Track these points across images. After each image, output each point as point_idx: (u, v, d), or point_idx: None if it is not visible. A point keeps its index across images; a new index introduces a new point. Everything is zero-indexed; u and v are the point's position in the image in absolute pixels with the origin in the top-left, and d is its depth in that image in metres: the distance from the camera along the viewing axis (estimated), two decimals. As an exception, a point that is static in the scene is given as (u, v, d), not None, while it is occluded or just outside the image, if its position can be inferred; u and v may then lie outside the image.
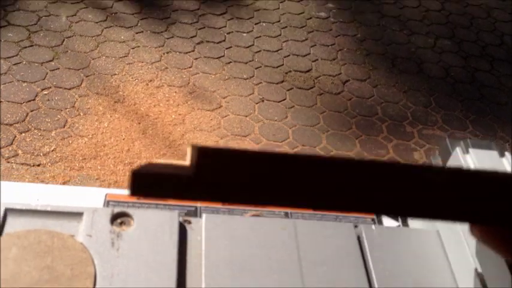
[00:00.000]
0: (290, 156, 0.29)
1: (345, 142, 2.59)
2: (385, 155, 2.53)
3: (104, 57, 2.73)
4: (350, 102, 2.80)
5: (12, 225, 0.65)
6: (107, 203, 0.77)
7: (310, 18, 3.28)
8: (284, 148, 2.52)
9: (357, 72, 2.98)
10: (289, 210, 0.81)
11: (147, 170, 0.28)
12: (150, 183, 0.28)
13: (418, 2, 3.56)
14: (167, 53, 2.86)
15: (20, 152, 2.21)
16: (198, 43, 2.95)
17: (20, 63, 2.56)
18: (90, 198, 0.78)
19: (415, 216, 0.29)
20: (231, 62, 2.90)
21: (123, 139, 2.36)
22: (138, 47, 2.84)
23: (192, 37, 2.98)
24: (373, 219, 0.81)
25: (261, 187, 0.29)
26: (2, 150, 2.17)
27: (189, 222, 0.72)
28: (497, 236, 0.28)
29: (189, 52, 2.90)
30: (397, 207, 0.29)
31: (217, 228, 0.71)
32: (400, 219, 0.81)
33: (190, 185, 0.28)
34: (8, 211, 0.66)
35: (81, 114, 2.43)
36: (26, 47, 2.64)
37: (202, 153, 0.28)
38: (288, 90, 2.80)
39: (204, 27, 3.05)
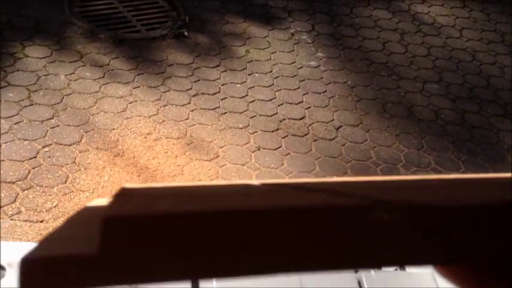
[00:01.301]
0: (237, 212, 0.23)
1: (341, 187, 2.64)
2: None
3: (102, 112, 2.80)
4: (344, 147, 2.87)
5: None
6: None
7: (301, 67, 3.38)
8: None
9: (349, 118, 3.06)
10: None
11: (41, 253, 0.22)
12: (44, 274, 0.22)
13: (404, 49, 3.68)
14: (164, 106, 2.93)
15: (23, 209, 2.24)
16: (194, 95, 3.04)
17: (20, 122, 2.63)
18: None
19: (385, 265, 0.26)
20: (226, 112, 2.97)
21: (124, 192, 2.40)
22: (136, 101, 2.92)
23: (187, 90, 3.06)
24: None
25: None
26: (6, 208, 2.21)
27: None
28: (462, 272, 0.27)
29: (185, 104, 2.97)
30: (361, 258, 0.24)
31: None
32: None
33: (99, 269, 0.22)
34: None
35: (82, 169, 2.48)
36: (26, 106, 2.71)
37: (113, 226, 0.22)
38: (283, 137, 2.87)
39: (199, 80, 3.14)
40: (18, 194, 2.28)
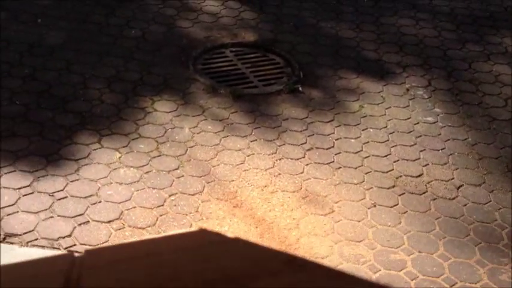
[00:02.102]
0: None
1: (463, 249, 2.55)
2: (507, 263, 2.45)
3: (222, 164, 2.93)
4: (466, 207, 2.77)
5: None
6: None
7: (418, 123, 3.35)
8: (400, 255, 2.52)
9: (470, 176, 2.97)
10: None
11: None
12: None
13: (527, 104, 3.53)
14: (280, 159, 3.01)
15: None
16: (308, 149, 3.09)
17: (150, 171, 2.82)
18: None
19: None
20: (340, 167, 2.99)
21: (243, 243, 2.48)
22: (253, 154, 3.03)
23: (302, 144, 3.13)
24: None
25: None
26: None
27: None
28: None
29: (300, 158, 3.03)
30: None
31: None
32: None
33: None
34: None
35: (204, 218, 2.60)
36: (155, 157, 2.91)
37: None
38: (400, 195, 2.83)
39: (313, 134, 3.20)
40: (146, 240, 2.43)
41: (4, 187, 2.64)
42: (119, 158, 2.88)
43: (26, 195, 2.61)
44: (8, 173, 2.72)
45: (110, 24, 3.93)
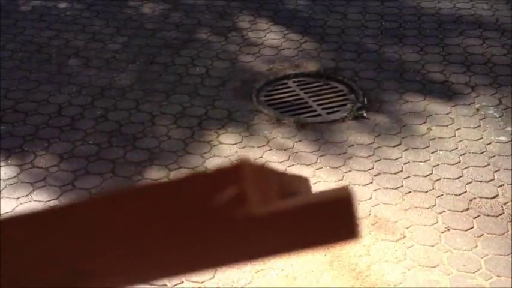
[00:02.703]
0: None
1: (547, 272, 2.39)
2: None
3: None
4: (547, 228, 2.61)
5: None
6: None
7: (490, 143, 3.21)
8: (477, 280, 2.39)
9: (550, 195, 2.80)
10: None
11: None
12: None
13: None
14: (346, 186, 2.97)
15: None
16: (376, 175, 3.03)
17: (217, 203, 2.86)
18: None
19: None
20: (410, 191, 2.91)
21: (312, 271, 2.44)
22: (319, 182, 3.00)
23: (369, 169, 3.08)
24: None
25: None
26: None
27: None
28: None
29: (368, 184, 2.98)
30: None
31: None
32: None
33: None
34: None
35: (271, 248, 2.58)
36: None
37: None
38: (475, 217, 2.71)
39: (380, 159, 3.14)
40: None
41: (79, 223, 2.76)
42: (187, 191, 2.94)
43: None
44: (83, 209, 2.83)
45: (175, 63, 4.08)
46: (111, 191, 0.32)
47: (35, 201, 2.89)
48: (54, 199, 2.90)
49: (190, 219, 0.31)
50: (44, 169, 3.12)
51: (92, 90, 3.81)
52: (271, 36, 4.41)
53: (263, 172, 0.34)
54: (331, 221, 0.33)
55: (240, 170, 0.31)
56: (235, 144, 3.28)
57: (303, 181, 0.41)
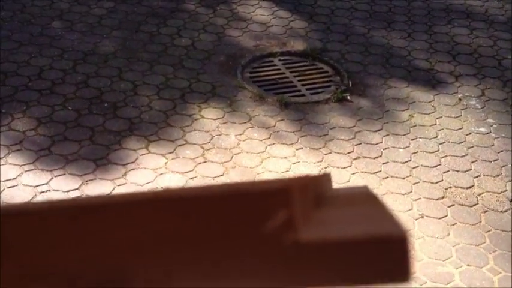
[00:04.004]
0: None
1: (515, 264, 2.43)
2: None
3: (267, 172, 2.92)
4: (519, 221, 2.65)
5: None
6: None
7: (470, 133, 3.24)
8: (447, 267, 2.43)
9: (524, 189, 2.84)
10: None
11: None
12: None
13: None
14: (325, 168, 2.98)
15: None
16: (355, 158, 3.05)
17: (195, 177, 2.84)
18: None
19: None
20: (388, 177, 2.93)
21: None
22: (298, 162, 3.00)
23: (349, 153, 3.08)
24: None
25: None
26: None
27: None
28: None
29: (346, 167, 2.99)
30: None
31: None
32: None
33: None
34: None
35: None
36: (200, 163, 2.94)
37: None
38: (449, 206, 2.74)
39: (361, 144, 3.15)
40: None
41: (54, 189, 2.73)
42: (166, 163, 2.92)
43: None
44: (58, 176, 2.80)
45: (161, 33, 4.02)
46: (167, 193, 0.31)
47: (10, 164, 2.85)
48: (29, 163, 2.86)
49: (239, 237, 0.30)
50: (21, 132, 3.07)
51: (74, 55, 3.74)
52: (260, 12, 4.36)
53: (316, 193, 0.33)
54: (384, 259, 0.31)
55: (291, 192, 0.30)
56: (217, 119, 3.26)
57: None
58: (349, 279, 0.31)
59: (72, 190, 2.72)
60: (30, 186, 2.74)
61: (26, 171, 2.82)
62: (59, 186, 2.75)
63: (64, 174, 2.81)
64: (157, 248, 0.30)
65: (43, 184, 2.75)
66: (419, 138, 3.21)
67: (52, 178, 2.79)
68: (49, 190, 2.72)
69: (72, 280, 0.30)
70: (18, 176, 2.79)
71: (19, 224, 0.30)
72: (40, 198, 2.67)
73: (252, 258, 0.30)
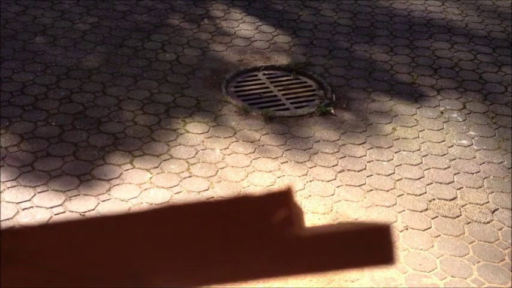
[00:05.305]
0: None
1: (497, 274, 2.46)
2: (546, 290, 2.35)
3: (252, 186, 2.93)
4: (501, 232, 2.68)
5: None
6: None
7: (452, 146, 3.28)
8: (432, 279, 2.45)
9: (506, 200, 2.87)
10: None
11: None
12: None
13: None
14: (310, 181, 2.99)
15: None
16: (340, 171, 3.06)
17: (180, 192, 2.84)
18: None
19: None
20: (372, 189, 2.95)
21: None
22: (283, 176, 3.01)
23: (333, 166, 3.10)
24: None
25: None
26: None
27: None
28: None
29: (331, 180, 3.01)
30: None
31: None
32: None
33: None
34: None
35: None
36: (185, 178, 2.93)
37: None
38: (433, 218, 2.76)
39: (345, 157, 3.17)
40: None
41: (37, 206, 2.70)
42: (150, 178, 2.91)
43: (57, 214, 2.67)
44: (41, 192, 2.78)
45: (145, 48, 4.02)
46: (167, 205, 0.37)
47: (-8, 181, 2.82)
48: (12, 179, 2.83)
49: (243, 236, 0.35)
50: (3, 148, 3.04)
51: (57, 70, 3.73)
52: (244, 26, 4.39)
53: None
54: (370, 246, 0.36)
55: (287, 195, 0.35)
56: (201, 133, 3.26)
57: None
58: (342, 264, 0.36)
59: (56, 206, 2.70)
60: (13, 203, 2.71)
61: (8, 187, 2.79)
62: (42, 202, 2.72)
63: (47, 190, 2.79)
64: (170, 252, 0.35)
65: (26, 201, 2.72)
66: (403, 151, 3.24)
67: (35, 194, 2.76)
68: (32, 206, 2.69)
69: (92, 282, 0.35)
70: (1, 192, 2.76)
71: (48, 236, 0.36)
72: (23, 214, 2.64)
73: (254, 251, 0.35)
